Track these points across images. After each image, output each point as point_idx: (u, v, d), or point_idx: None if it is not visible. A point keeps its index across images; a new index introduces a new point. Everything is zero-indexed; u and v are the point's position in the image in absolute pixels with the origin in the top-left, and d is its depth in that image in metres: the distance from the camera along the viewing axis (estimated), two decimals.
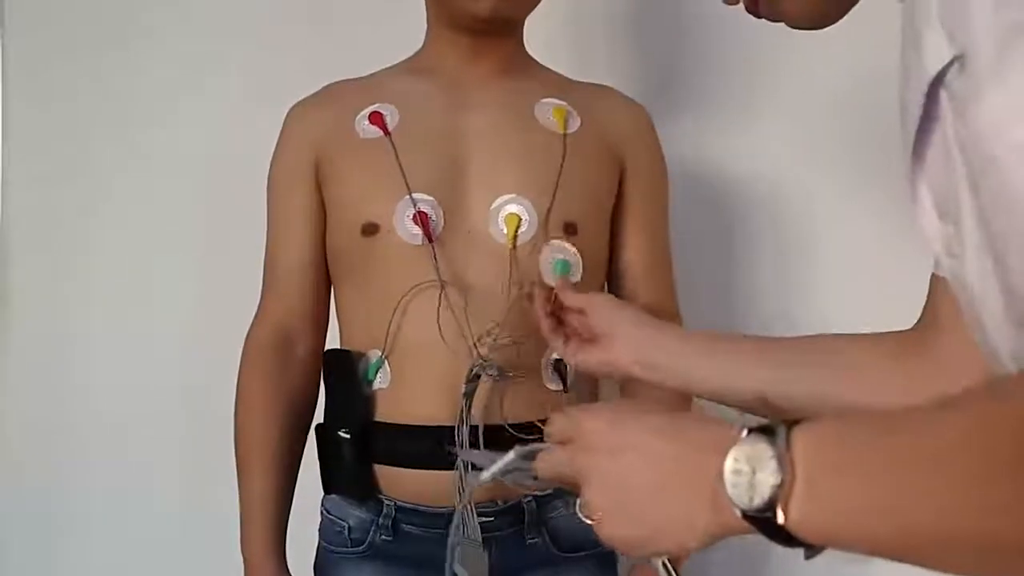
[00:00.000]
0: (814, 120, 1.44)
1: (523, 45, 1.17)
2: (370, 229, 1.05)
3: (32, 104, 1.68)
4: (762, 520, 0.47)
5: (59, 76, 1.67)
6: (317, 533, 1.15)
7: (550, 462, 0.62)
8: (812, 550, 0.48)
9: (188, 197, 1.63)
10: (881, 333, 0.78)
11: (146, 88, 1.64)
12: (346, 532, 1.09)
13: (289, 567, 1.14)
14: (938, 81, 0.50)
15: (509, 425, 1.03)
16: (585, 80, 1.20)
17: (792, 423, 0.47)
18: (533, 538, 1.08)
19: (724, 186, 1.48)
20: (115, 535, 1.66)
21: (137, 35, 1.65)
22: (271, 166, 1.16)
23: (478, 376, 1.01)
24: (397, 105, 1.10)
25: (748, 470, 0.47)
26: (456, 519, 1.00)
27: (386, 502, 1.07)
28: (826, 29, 0.71)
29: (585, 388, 1.12)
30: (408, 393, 1.05)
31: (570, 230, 1.07)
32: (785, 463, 0.46)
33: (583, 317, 0.94)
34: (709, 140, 1.48)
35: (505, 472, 0.67)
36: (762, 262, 1.51)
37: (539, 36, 1.18)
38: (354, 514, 1.09)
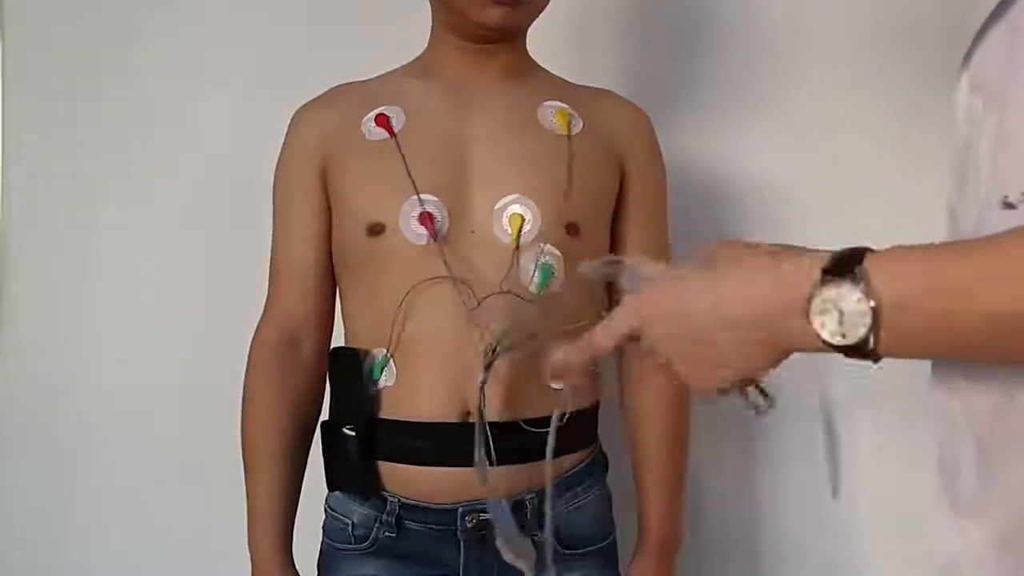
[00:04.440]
0: (813, 124, 1.45)
1: (526, 49, 1.18)
2: (376, 229, 1.06)
3: (32, 104, 1.68)
4: (854, 349, 0.51)
5: (59, 76, 1.67)
6: (321, 530, 1.15)
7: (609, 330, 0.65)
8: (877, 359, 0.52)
9: (189, 197, 1.63)
10: None
11: (147, 88, 1.64)
12: (350, 529, 1.10)
13: None
14: None
15: (523, 421, 1.05)
16: (586, 84, 1.21)
17: (860, 256, 0.52)
18: (535, 535, 1.09)
19: (724, 189, 1.49)
20: (115, 535, 1.66)
21: (138, 35, 1.65)
22: (277, 167, 1.17)
23: (495, 350, 1.01)
24: (402, 107, 1.11)
25: (835, 311, 0.51)
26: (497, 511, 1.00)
27: (390, 499, 1.08)
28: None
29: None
30: (414, 391, 1.05)
31: (572, 230, 1.08)
32: (870, 296, 0.50)
33: None
34: (709, 143, 1.49)
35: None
36: None
37: (541, 39, 1.19)
38: (358, 511, 1.10)
